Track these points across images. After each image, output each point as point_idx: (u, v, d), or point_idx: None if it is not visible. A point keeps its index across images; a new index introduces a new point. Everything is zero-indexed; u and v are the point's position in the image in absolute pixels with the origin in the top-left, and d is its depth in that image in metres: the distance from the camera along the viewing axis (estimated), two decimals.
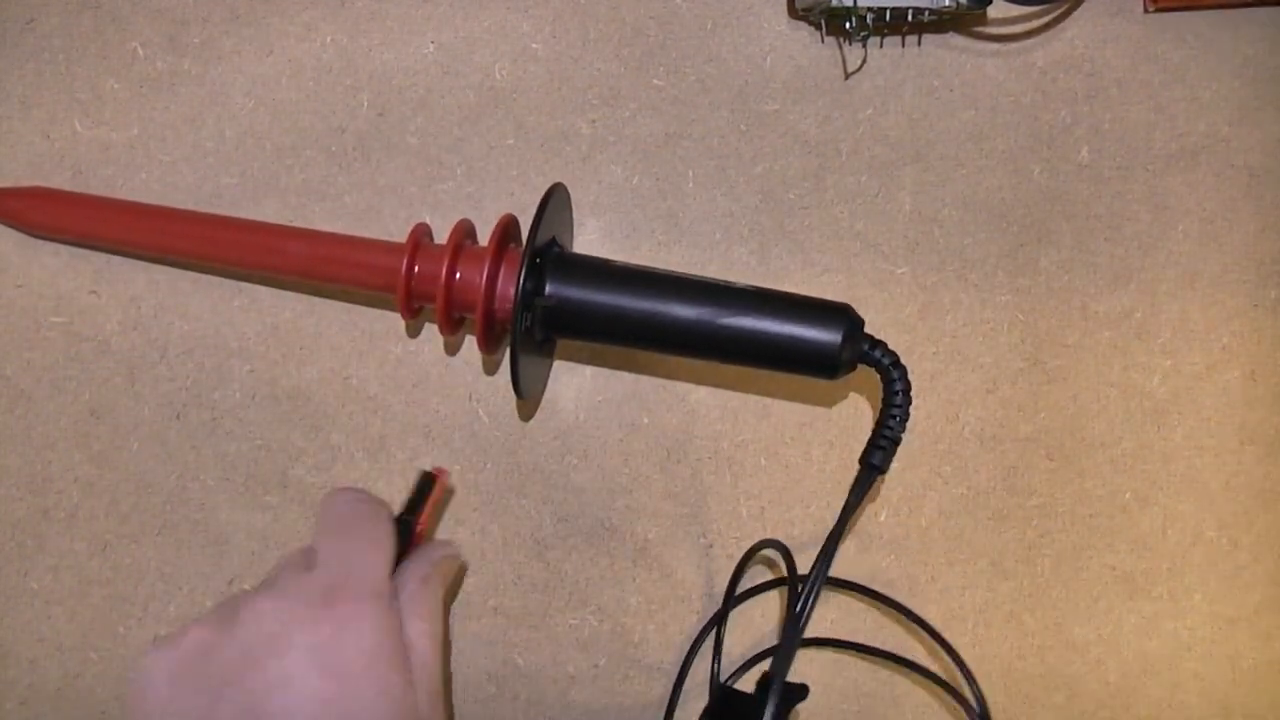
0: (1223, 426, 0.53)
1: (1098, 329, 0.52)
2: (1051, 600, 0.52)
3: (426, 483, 0.45)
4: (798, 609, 0.43)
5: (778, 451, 0.51)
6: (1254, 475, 0.53)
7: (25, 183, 0.49)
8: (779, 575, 0.51)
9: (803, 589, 0.43)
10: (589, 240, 0.50)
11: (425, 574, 0.43)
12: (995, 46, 0.51)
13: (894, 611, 0.51)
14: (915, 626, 0.50)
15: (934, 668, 0.51)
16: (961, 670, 0.46)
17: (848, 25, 0.47)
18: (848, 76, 0.50)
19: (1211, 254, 0.52)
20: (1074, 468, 0.52)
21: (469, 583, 0.50)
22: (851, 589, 0.51)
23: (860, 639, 0.51)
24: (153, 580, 0.49)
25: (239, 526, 0.49)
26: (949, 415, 0.52)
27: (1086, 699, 0.53)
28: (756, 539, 0.51)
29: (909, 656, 0.50)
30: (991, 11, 0.48)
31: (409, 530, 0.46)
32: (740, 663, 0.51)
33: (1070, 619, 0.53)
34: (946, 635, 0.48)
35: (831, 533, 0.45)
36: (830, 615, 0.51)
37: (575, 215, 0.49)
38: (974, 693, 0.46)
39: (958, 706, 0.53)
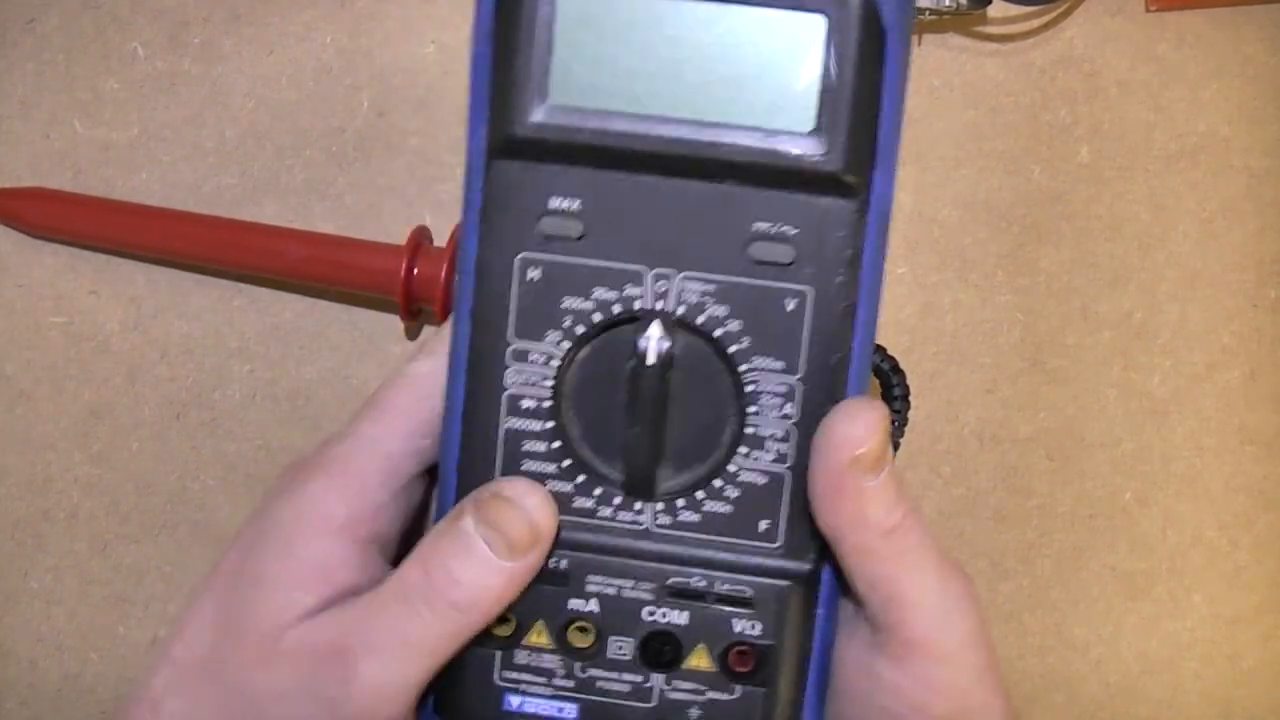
0: (1223, 426, 0.53)
1: (1098, 329, 0.52)
2: (1051, 600, 0.52)
3: None
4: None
5: None
6: (1254, 475, 0.53)
7: (25, 183, 0.49)
8: None
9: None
10: None
11: None
12: (995, 46, 0.51)
13: None
14: None
15: None
16: None
17: None
18: None
19: (1211, 254, 0.52)
20: (1074, 468, 0.52)
21: None
22: None
23: None
24: (153, 580, 0.49)
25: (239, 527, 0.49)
26: (949, 415, 0.52)
27: (1086, 699, 0.53)
28: None
29: None
30: (991, 11, 0.48)
31: None
32: None
33: (1070, 619, 0.53)
34: None
35: None
36: None
37: None
38: None
39: None
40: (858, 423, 0.27)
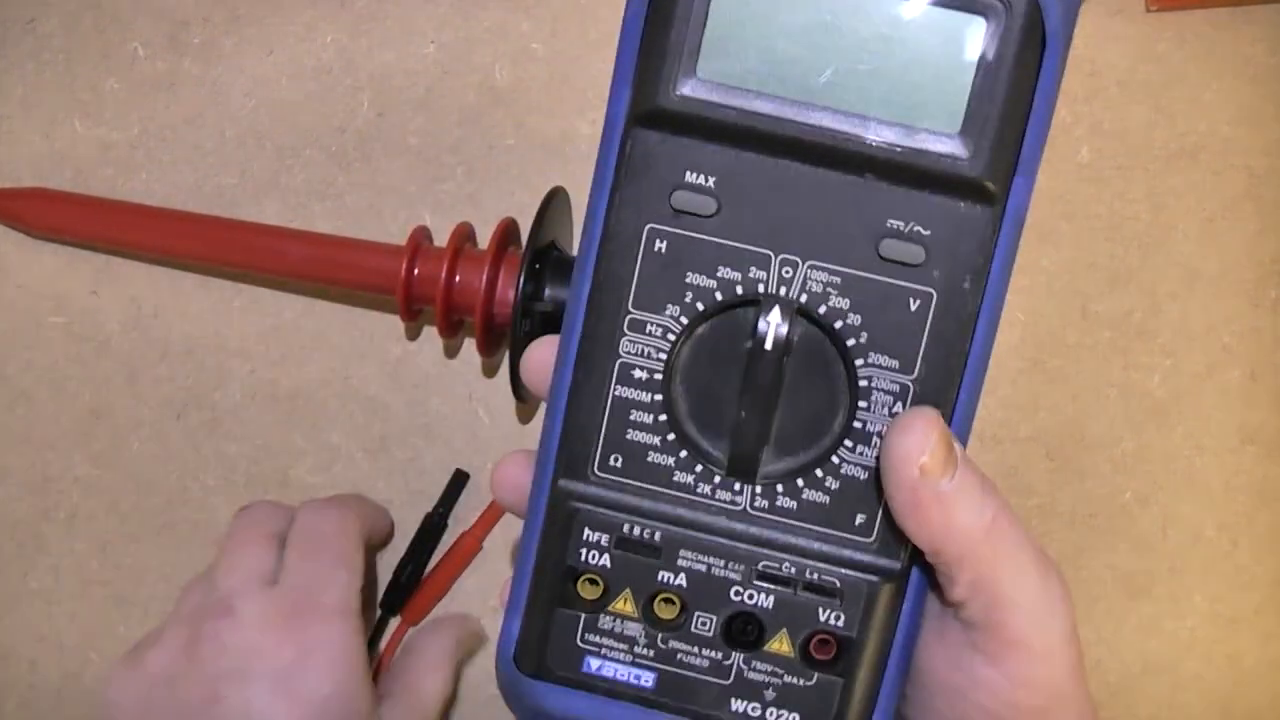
0: (1223, 426, 0.53)
1: (1098, 329, 0.52)
2: None
3: (459, 482, 0.48)
4: None
5: None
6: (1254, 475, 0.53)
7: (25, 183, 0.49)
8: None
9: None
10: None
11: (446, 629, 0.45)
12: None
13: None
14: None
15: None
16: None
17: None
18: None
19: (1211, 254, 0.52)
20: (1074, 468, 0.52)
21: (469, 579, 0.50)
22: None
23: None
24: (153, 580, 0.49)
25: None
26: None
27: None
28: None
29: None
30: None
31: (438, 527, 0.48)
32: None
33: None
34: None
35: None
36: None
37: (576, 217, 0.49)
38: None
39: None
40: (913, 432, 0.27)
